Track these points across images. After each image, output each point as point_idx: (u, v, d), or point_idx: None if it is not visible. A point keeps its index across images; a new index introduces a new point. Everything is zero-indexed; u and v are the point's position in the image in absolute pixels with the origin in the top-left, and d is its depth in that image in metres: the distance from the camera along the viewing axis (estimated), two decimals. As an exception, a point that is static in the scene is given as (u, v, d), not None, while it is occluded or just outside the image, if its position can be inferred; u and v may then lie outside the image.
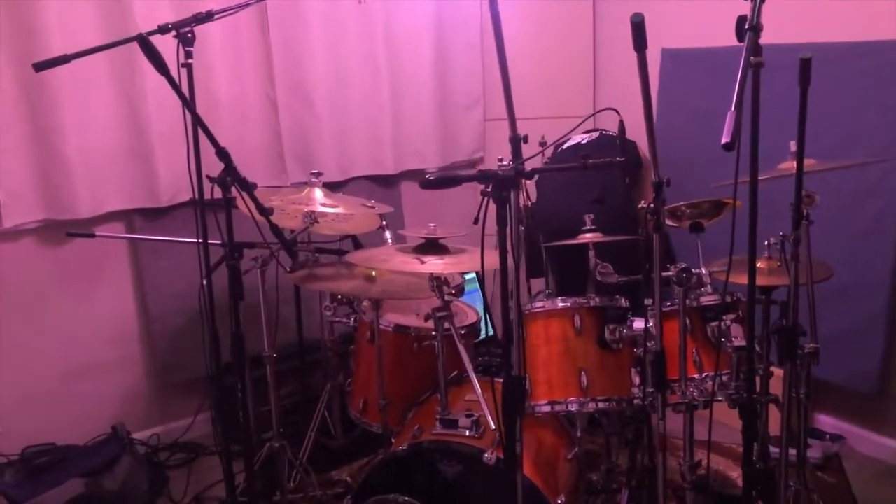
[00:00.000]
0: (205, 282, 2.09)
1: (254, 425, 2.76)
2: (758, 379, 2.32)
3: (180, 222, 3.00)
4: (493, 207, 1.47)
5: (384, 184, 3.61)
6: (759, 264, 2.17)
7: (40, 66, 1.72)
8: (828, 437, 2.97)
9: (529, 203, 1.92)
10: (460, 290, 2.75)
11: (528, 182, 2.03)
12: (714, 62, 3.11)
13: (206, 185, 2.02)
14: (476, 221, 1.47)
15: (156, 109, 2.85)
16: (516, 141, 1.58)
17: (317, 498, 2.64)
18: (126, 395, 3.13)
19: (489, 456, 1.90)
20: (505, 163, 1.57)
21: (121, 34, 2.62)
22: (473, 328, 2.54)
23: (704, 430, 1.93)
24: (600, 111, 2.56)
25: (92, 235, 2.52)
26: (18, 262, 2.82)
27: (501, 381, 1.66)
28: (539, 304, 2.06)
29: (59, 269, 2.92)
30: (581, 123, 2.21)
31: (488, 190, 1.47)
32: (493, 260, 1.60)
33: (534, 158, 1.64)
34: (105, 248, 2.98)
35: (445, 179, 1.44)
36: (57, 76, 2.65)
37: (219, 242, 2.08)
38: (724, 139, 1.33)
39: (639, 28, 1.34)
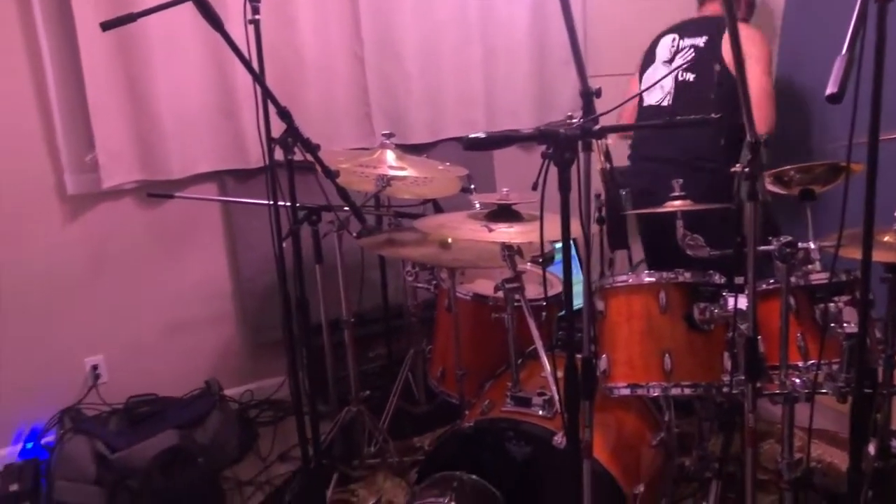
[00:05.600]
0: (276, 247, 2.06)
1: (334, 389, 2.76)
2: (880, 368, 2.04)
3: (269, 183, 3.01)
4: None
5: (477, 145, 3.46)
6: (886, 238, 1.89)
7: (107, 26, 1.71)
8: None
9: (608, 166, 1.73)
10: (550, 259, 2.59)
11: (609, 143, 1.84)
12: (846, 3, 2.73)
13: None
14: (535, 187, 1.32)
15: (242, 70, 2.82)
16: (588, 95, 1.40)
17: (393, 465, 2.61)
18: (220, 351, 3.21)
19: (559, 439, 1.77)
20: (574, 120, 1.40)
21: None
22: (555, 300, 2.38)
23: (814, 418, 1.70)
24: (687, 62, 2.26)
25: (171, 197, 2.56)
26: (120, 222, 2.93)
27: (577, 358, 1.51)
28: (622, 277, 1.89)
29: (157, 228, 3.00)
30: (669, 74, 1.99)
31: (549, 151, 1.31)
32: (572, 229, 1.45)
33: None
34: (199, 208, 3.04)
35: (495, 139, 1.29)
36: (147, 36, 2.69)
37: (296, 205, 2.03)
38: (830, 89, 1.11)
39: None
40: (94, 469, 2.58)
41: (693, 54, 2.69)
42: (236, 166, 2.96)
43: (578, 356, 1.49)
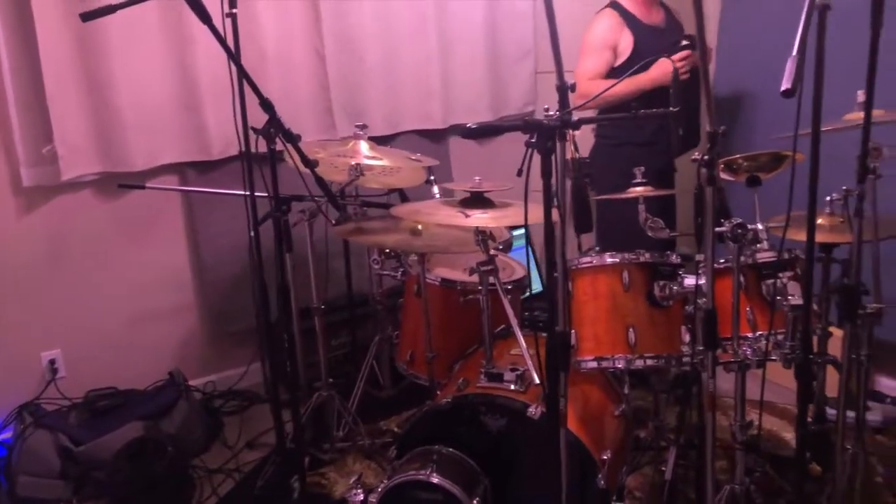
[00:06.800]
0: (252, 234, 2.11)
1: (303, 375, 2.82)
2: (815, 339, 2.25)
3: (232, 175, 3.03)
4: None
5: (432, 138, 3.57)
6: (819, 220, 2.08)
7: (87, 17, 1.73)
8: (889, 399, 2.87)
9: (577, 155, 1.85)
10: (508, 246, 2.72)
11: (577, 133, 1.97)
12: (778, 8, 2.96)
13: (253, 137, 2.03)
14: (520, 173, 1.43)
15: (204, 61, 2.86)
16: (563, 90, 1.51)
17: (364, 447, 2.69)
18: (182, 342, 3.22)
19: (533, 410, 1.89)
20: (551, 113, 1.51)
21: (168, -17, 2.64)
22: (520, 284, 2.51)
23: (757, 390, 1.88)
24: (650, 60, 2.44)
25: (142, 187, 2.57)
26: (78, 214, 2.91)
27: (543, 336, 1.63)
28: (586, 259, 2.02)
29: (117, 220, 2.99)
30: (632, 69, 2.15)
31: (532, 140, 1.42)
32: (539, 214, 1.57)
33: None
34: (160, 200, 3.04)
35: (487, 129, 1.40)
36: (107, 27, 2.68)
37: (266, 195, 2.09)
38: (785, 85, 1.26)
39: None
40: (58, 463, 2.57)
41: None
42: (199, 158, 2.98)
43: (543, 334, 1.60)
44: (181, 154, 2.97)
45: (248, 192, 2.07)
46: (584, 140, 2.49)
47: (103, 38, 2.70)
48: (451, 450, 1.95)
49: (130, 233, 3.03)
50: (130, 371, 3.00)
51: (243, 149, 2.02)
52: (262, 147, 1.97)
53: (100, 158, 2.81)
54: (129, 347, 3.08)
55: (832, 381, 2.30)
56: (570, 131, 1.85)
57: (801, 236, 1.66)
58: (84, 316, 2.98)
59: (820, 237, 2.06)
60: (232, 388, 3.26)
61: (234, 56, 1.76)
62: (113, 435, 2.59)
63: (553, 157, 1.49)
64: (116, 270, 3.02)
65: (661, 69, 2.59)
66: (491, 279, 2.01)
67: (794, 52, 1.29)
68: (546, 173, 1.42)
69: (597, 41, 2.82)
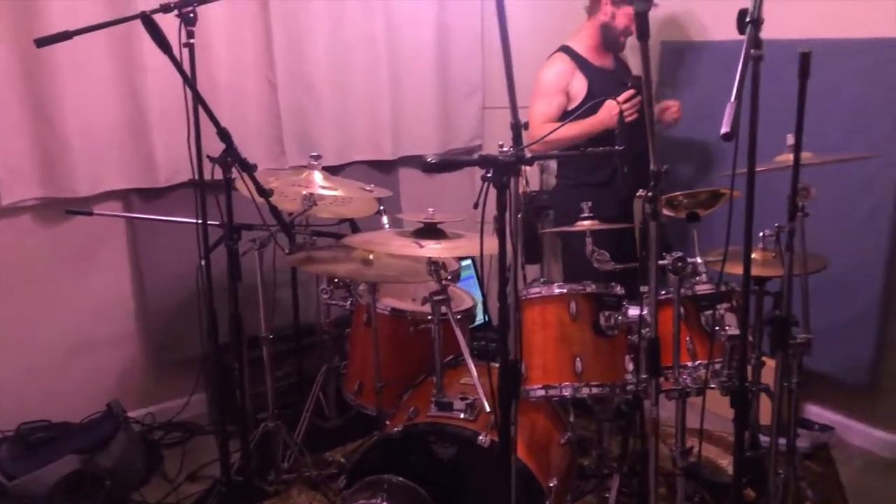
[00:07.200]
0: (203, 262, 2.10)
1: (250, 405, 2.78)
2: (749, 368, 2.35)
3: (178, 203, 2.99)
4: (492, 193, 1.49)
5: (382, 169, 3.62)
6: (753, 255, 2.19)
7: (42, 42, 1.72)
8: (817, 427, 3.01)
9: (528, 189, 1.92)
10: (456, 276, 2.78)
11: (528, 169, 2.04)
12: (714, 55, 3.14)
13: (205, 165, 2.03)
14: (476, 206, 1.48)
15: (154, 88, 2.83)
16: (517, 127, 1.58)
17: (311, 478, 2.66)
18: (121, 373, 3.14)
19: (483, 438, 1.92)
20: (505, 149, 1.57)
21: (121, 10, 2.63)
22: (469, 313, 2.56)
23: (695, 419, 1.96)
24: (596, 102, 2.54)
25: (90, 213, 2.52)
26: (16, 239, 2.82)
27: (497, 364, 1.68)
28: (535, 289, 2.08)
29: (57, 246, 2.91)
30: (578, 112, 2.25)
31: (489, 175, 1.48)
32: (491, 245, 1.62)
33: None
34: (102, 227, 2.97)
35: (447, 163, 1.45)
36: (55, 51, 2.63)
37: (217, 223, 2.10)
38: (724, 129, 1.35)
39: (642, 18, 1.36)
40: (-12, 498, 2.47)
41: None
42: (146, 185, 2.94)
43: (495, 364, 1.65)
44: (127, 180, 2.92)
45: (200, 220, 2.07)
46: (533, 175, 2.57)
47: (49, 61, 2.65)
48: (401, 479, 1.96)
49: (71, 260, 2.96)
50: (67, 402, 2.90)
51: (197, 177, 2.02)
52: (214, 174, 1.98)
53: (42, 183, 2.75)
54: (65, 378, 2.98)
55: (765, 410, 2.40)
56: (523, 167, 1.94)
57: (737, 270, 1.76)
58: (19, 345, 2.87)
59: (753, 271, 2.17)
60: (172, 420, 3.19)
61: (193, 86, 1.77)
62: (48, 469, 2.50)
63: (507, 192, 1.55)
64: (55, 298, 2.93)
65: (607, 111, 2.69)
66: (443, 309, 2.05)
67: (733, 99, 1.39)
68: (501, 207, 1.47)
69: (549, 86, 2.91)
